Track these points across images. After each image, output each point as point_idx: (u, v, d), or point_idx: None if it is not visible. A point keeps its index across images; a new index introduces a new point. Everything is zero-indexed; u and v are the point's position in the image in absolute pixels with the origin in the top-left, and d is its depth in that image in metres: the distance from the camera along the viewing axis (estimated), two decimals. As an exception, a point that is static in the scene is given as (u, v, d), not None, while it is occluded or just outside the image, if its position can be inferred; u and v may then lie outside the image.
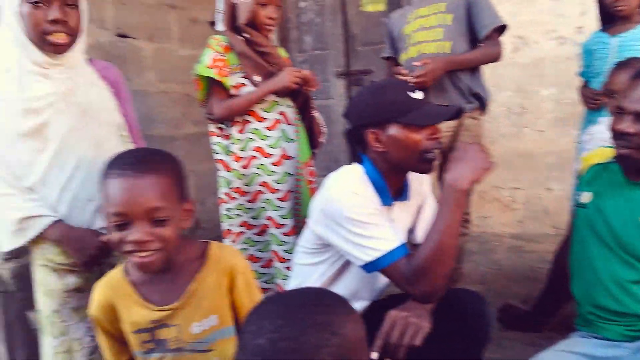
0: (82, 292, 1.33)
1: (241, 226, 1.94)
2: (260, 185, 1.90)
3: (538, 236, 3.25)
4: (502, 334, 1.88)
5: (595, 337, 1.38)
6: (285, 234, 1.89)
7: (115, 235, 0.99)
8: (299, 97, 1.95)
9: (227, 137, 1.93)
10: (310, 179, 1.96)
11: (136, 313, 1.07)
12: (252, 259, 1.94)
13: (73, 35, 1.29)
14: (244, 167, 1.91)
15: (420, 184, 1.52)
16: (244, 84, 1.88)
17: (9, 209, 1.27)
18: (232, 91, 1.87)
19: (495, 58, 2.07)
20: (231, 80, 1.87)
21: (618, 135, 1.32)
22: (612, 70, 1.95)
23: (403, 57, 2.17)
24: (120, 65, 3.02)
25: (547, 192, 3.32)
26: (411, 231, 1.52)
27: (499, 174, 3.42)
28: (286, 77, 1.83)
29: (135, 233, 0.97)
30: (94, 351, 1.33)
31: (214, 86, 1.87)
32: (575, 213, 1.53)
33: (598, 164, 1.50)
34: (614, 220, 1.36)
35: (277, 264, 1.90)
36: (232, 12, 1.86)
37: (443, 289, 1.24)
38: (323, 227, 1.30)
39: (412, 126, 1.27)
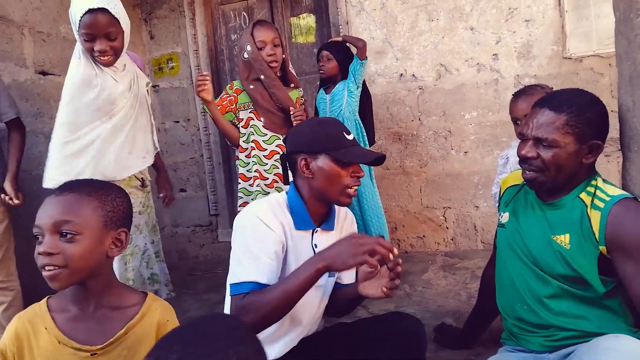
0: None
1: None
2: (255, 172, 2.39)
3: (469, 252, 3.41)
4: (438, 354, 1.94)
5: (520, 350, 1.46)
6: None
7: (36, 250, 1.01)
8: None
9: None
10: None
11: (53, 350, 1.02)
12: None
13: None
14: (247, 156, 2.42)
15: (351, 223, 1.58)
16: (251, 118, 2.38)
17: None
18: (239, 124, 2.40)
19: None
20: (232, 116, 2.40)
21: (522, 160, 1.39)
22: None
23: None
24: (42, 102, 2.91)
25: (475, 209, 3.50)
26: None
27: (430, 194, 3.57)
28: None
29: (43, 245, 0.99)
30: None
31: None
32: (497, 233, 1.62)
33: (514, 185, 1.58)
34: (529, 239, 1.44)
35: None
36: (247, 67, 2.35)
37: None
38: (232, 238, 1.38)
39: (340, 161, 1.36)
